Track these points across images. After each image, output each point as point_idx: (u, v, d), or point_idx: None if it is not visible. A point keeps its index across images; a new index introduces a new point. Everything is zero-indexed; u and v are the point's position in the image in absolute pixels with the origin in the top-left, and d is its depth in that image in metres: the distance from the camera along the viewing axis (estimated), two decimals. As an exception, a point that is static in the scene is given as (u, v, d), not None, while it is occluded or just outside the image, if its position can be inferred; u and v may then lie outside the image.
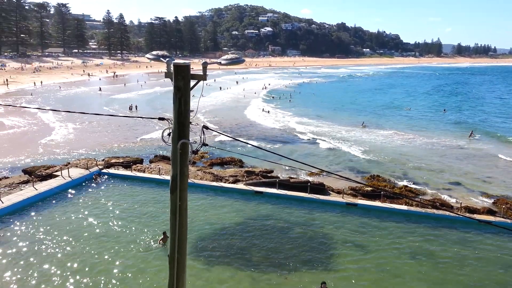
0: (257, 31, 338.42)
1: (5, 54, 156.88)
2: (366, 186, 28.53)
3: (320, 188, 28.13)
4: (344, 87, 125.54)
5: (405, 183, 32.21)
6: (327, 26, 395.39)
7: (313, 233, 21.86)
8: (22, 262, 17.83)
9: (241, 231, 21.81)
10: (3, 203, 23.06)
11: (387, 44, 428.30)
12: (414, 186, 31.64)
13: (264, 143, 44.76)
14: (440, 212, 24.61)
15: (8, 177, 29.48)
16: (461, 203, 27.16)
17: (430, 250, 20.34)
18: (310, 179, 30.57)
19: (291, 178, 30.64)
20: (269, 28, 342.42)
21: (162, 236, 19.89)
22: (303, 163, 9.45)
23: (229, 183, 29.19)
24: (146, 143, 43.40)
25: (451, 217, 23.74)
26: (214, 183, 28.57)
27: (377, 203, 26.00)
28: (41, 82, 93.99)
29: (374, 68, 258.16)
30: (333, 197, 27.28)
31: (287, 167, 33.60)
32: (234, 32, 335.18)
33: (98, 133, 48.10)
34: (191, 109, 6.69)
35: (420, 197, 29.04)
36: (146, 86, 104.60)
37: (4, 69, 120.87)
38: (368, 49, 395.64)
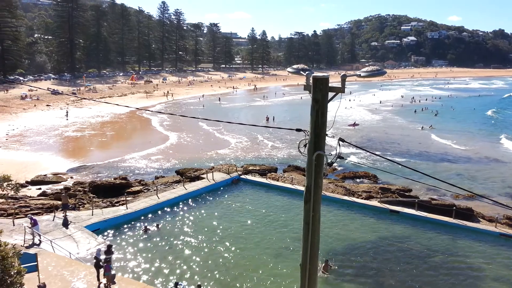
0: (398, 41, 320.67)
1: (166, 69, 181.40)
2: (528, 216, 24.32)
3: (467, 214, 25.03)
4: (506, 102, 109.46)
5: None
6: (481, 33, 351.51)
7: (457, 264, 19.54)
8: (166, 248, 20.36)
9: (374, 251, 20.78)
10: (159, 198, 26.58)
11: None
12: None
13: (402, 159, 41.96)
14: None
15: (164, 176, 33.85)
16: None
17: None
18: (456, 202, 27.47)
19: (433, 199, 28.03)
20: (412, 38, 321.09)
21: (323, 264, 18.00)
22: (448, 183, 8.53)
23: (362, 198, 28.18)
24: (280, 152, 44.89)
25: None
26: (346, 197, 27.91)
27: (542, 238, 21.94)
28: (203, 95, 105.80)
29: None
30: (484, 225, 23.98)
31: (428, 187, 30.82)
32: (373, 43, 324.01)
33: (236, 141, 51.71)
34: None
35: None
36: (282, 97, 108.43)
37: (165, 82, 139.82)
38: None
